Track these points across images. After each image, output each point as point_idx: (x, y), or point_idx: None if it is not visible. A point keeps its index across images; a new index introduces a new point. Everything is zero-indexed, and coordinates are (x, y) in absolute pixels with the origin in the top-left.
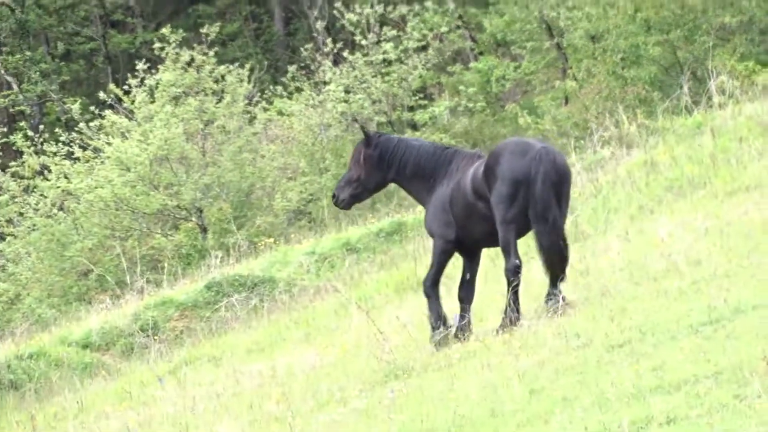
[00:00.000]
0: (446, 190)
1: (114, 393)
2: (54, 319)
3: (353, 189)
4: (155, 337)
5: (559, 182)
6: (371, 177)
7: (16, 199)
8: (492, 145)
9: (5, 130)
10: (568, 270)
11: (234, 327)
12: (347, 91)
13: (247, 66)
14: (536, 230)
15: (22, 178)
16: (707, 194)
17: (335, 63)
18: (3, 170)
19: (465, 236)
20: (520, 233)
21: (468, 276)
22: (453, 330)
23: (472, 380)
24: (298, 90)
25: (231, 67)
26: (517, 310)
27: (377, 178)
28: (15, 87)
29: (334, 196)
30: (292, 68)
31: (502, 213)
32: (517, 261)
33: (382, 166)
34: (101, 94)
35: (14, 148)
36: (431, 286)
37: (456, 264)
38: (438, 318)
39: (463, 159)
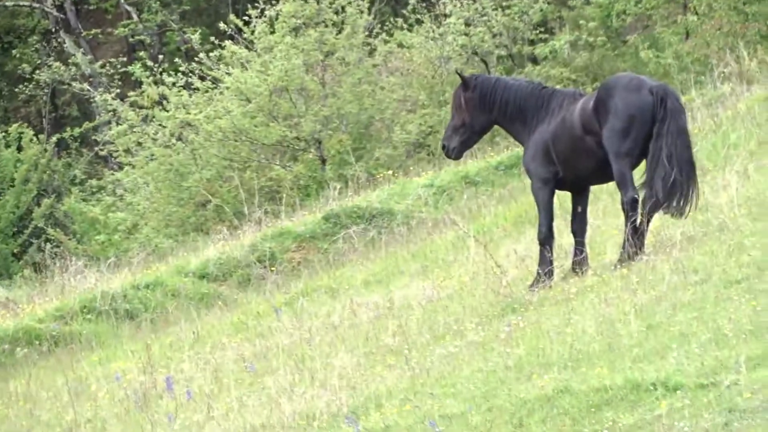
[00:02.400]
0: (548, 127)
1: (230, 324)
2: (171, 250)
3: (461, 135)
4: (272, 269)
5: (680, 119)
6: (476, 120)
7: (134, 129)
8: None
9: (125, 59)
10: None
11: (351, 259)
12: (468, 24)
13: None
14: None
15: (141, 108)
16: None
17: None
18: (122, 100)
19: (569, 173)
20: (633, 167)
21: (579, 209)
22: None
23: (589, 315)
24: (419, 22)
25: None
26: (638, 245)
27: (482, 120)
28: (135, 16)
29: (443, 147)
30: (412, 0)
31: (617, 146)
32: (635, 195)
33: (485, 107)
34: (221, 25)
35: (133, 78)
36: (546, 234)
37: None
38: (546, 270)
39: (563, 98)
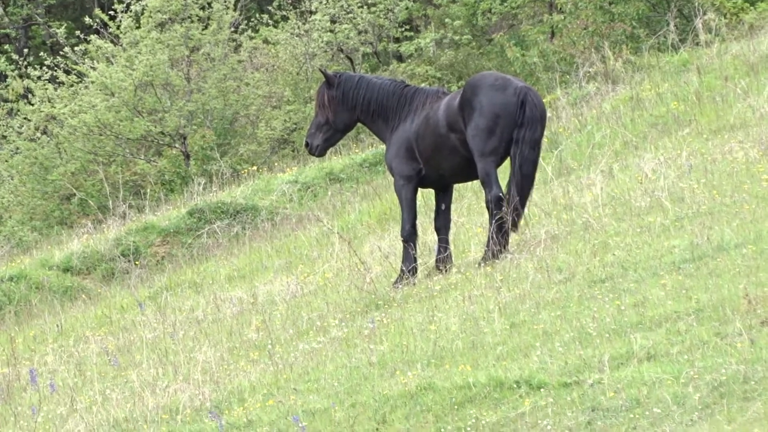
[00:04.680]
0: (410, 126)
1: (94, 317)
2: (35, 243)
3: (324, 133)
4: (136, 263)
5: (541, 123)
6: (339, 118)
7: None
8: None
9: None
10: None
11: (216, 254)
12: (333, 21)
13: None
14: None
15: (6, 101)
16: (692, 132)
17: None
18: None
19: (432, 170)
20: (498, 165)
21: (443, 206)
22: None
23: (452, 312)
24: (284, 19)
25: None
26: (502, 243)
27: (345, 118)
28: (0, 10)
29: (307, 144)
30: None
31: (482, 145)
32: (500, 193)
33: (348, 105)
34: (87, 19)
35: None
36: (410, 231)
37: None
38: (410, 267)
39: (426, 96)
